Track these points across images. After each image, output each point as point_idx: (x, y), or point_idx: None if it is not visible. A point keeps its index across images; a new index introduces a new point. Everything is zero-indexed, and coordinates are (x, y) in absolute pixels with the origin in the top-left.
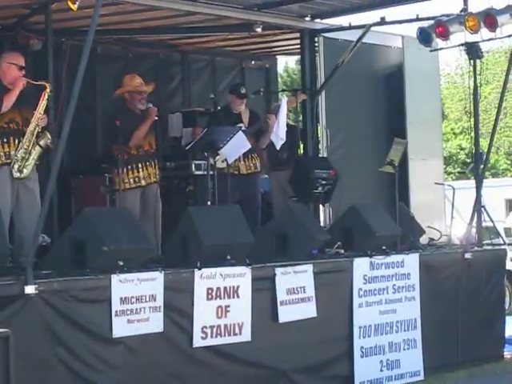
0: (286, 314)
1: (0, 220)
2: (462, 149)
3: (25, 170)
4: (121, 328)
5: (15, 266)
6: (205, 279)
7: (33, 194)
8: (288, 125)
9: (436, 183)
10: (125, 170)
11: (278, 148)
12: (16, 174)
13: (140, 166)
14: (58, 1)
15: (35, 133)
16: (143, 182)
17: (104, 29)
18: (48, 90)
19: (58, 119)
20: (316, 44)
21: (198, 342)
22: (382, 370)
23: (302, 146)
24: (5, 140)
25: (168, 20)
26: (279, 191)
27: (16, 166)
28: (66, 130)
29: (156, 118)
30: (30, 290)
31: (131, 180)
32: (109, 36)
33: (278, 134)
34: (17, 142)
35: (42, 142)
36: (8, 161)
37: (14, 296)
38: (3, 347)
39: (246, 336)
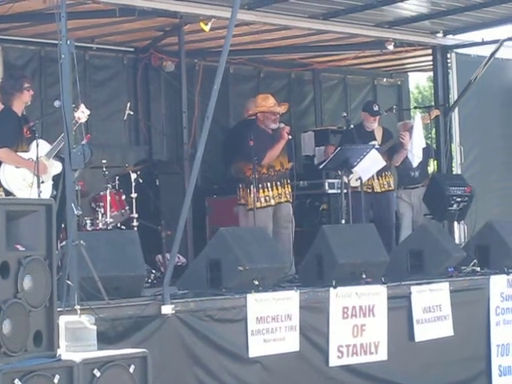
0: (422, 333)
1: (136, 243)
2: None
3: None
4: (257, 347)
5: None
6: (340, 298)
7: None
8: None
9: None
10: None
11: (414, 166)
12: None
13: (269, 185)
14: (191, 22)
15: None
16: (273, 202)
17: (236, 49)
18: None
19: (192, 140)
20: (448, 60)
21: (334, 361)
22: None
23: (434, 163)
24: None
25: (299, 39)
26: (408, 209)
27: None
28: (201, 151)
29: (289, 137)
30: (166, 310)
31: (262, 199)
32: (241, 56)
33: (414, 152)
34: None
35: None
36: None
37: (152, 316)
38: (141, 367)
39: (382, 355)
